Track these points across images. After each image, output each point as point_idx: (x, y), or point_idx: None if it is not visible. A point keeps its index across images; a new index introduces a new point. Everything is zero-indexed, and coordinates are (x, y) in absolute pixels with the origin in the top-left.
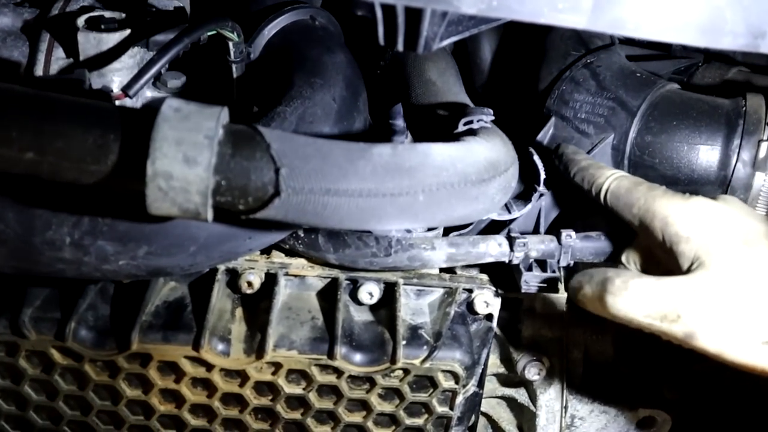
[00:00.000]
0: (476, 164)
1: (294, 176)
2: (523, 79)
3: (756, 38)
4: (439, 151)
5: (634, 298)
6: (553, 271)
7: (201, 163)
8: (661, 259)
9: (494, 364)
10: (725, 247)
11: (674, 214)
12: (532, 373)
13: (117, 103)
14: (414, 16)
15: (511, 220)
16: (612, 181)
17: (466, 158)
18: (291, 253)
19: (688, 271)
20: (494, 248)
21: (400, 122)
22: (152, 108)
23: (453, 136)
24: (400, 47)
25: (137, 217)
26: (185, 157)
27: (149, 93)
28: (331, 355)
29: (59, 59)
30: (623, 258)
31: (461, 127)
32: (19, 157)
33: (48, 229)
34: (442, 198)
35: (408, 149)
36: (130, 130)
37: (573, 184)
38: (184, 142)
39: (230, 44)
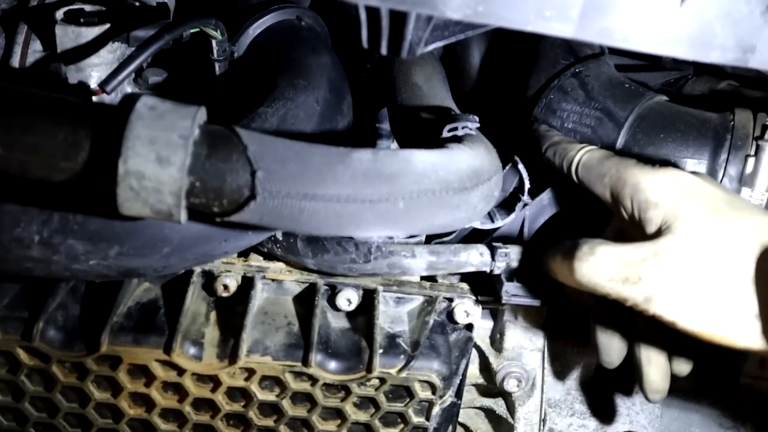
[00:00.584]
0: (458, 172)
1: (271, 179)
2: (512, 86)
3: (745, 53)
4: (420, 157)
5: (600, 262)
6: None
7: (174, 164)
8: (632, 233)
9: (473, 374)
10: (692, 214)
11: (645, 181)
12: (511, 384)
13: (94, 98)
14: (398, 19)
15: (495, 229)
16: (583, 153)
17: (448, 166)
18: (269, 256)
19: (655, 236)
20: (475, 257)
21: (385, 126)
22: (127, 105)
23: (437, 143)
24: (384, 51)
25: (109, 217)
26: (158, 157)
27: (129, 89)
28: (305, 362)
29: (36, 52)
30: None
31: (446, 134)
32: None
33: (16, 226)
34: (422, 205)
35: (389, 155)
36: (102, 127)
37: (545, 161)
38: (158, 141)
39: (213, 42)
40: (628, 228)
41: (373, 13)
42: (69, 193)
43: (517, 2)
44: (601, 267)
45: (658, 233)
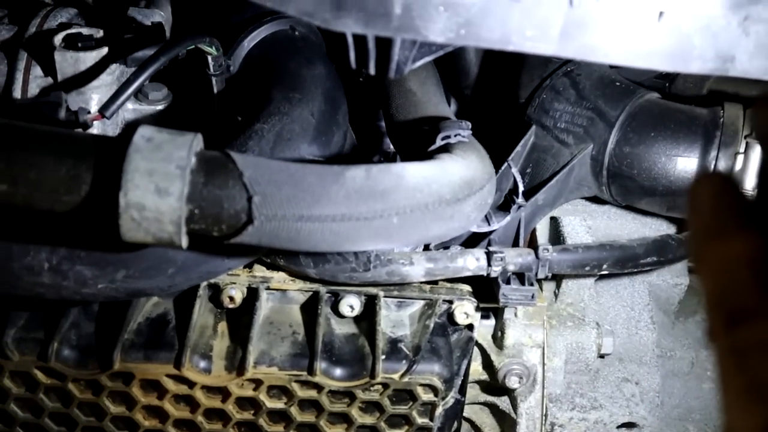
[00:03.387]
0: (451, 184)
1: (267, 204)
2: (506, 85)
3: (725, 62)
4: (413, 172)
5: None
6: (531, 284)
7: (173, 194)
8: None
9: (476, 371)
10: None
11: None
12: (513, 381)
13: (95, 123)
14: (384, 43)
15: (491, 231)
16: None
17: (440, 178)
18: (272, 266)
19: None
20: (472, 263)
21: (384, 124)
22: (125, 137)
23: (429, 153)
24: (371, 71)
25: (114, 243)
26: (157, 188)
27: (131, 105)
28: (311, 371)
29: (37, 77)
30: None
31: (439, 142)
32: None
33: (26, 255)
34: (416, 219)
35: (381, 171)
36: (102, 161)
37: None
38: (156, 173)
39: (209, 58)
40: None
41: (359, 38)
42: (75, 221)
43: (499, 24)
44: None
45: None
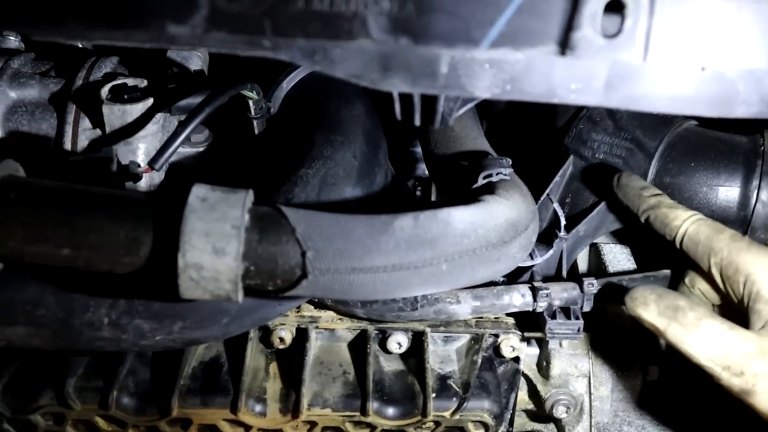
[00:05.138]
0: (497, 227)
1: (320, 258)
2: (542, 113)
3: None
4: (459, 217)
5: (703, 339)
6: (577, 318)
7: (230, 253)
8: (730, 300)
9: (522, 400)
10: None
11: (759, 272)
12: (560, 411)
13: (144, 176)
14: (430, 98)
15: (534, 264)
16: (689, 225)
17: (486, 222)
18: (320, 305)
19: (763, 331)
20: (518, 299)
21: (419, 150)
22: (181, 197)
23: (472, 193)
24: (417, 123)
25: (171, 297)
26: (214, 248)
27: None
28: (363, 411)
29: (86, 130)
30: (687, 280)
31: (481, 181)
32: (55, 253)
33: (87, 311)
34: (464, 264)
35: (429, 219)
36: (159, 222)
37: (638, 222)
38: (212, 233)
39: (250, 102)
40: (730, 303)
41: (405, 94)
42: (133, 277)
43: (543, 78)
44: (704, 345)
45: (766, 328)
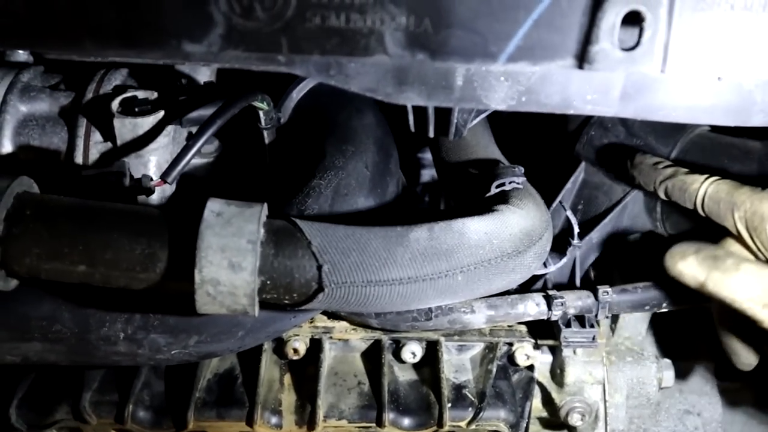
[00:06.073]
0: (511, 238)
1: (336, 271)
2: (553, 119)
3: None
4: (474, 228)
5: (743, 281)
6: (591, 326)
7: (246, 268)
8: (760, 258)
9: (536, 407)
10: None
11: None
12: (575, 419)
13: (156, 189)
14: (444, 110)
15: (547, 272)
16: (708, 185)
17: (501, 233)
18: (334, 315)
19: None
20: (532, 308)
21: (427, 156)
22: (196, 213)
23: (485, 202)
24: (431, 135)
25: (186, 311)
26: (230, 264)
27: None
28: (379, 422)
29: (97, 143)
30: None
31: (493, 190)
32: (71, 270)
33: (102, 326)
34: (480, 275)
35: (443, 230)
36: (175, 238)
37: (655, 194)
38: (228, 249)
39: (260, 113)
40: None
41: (419, 107)
42: (149, 293)
43: (559, 90)
44: (744, 285)
45: None
